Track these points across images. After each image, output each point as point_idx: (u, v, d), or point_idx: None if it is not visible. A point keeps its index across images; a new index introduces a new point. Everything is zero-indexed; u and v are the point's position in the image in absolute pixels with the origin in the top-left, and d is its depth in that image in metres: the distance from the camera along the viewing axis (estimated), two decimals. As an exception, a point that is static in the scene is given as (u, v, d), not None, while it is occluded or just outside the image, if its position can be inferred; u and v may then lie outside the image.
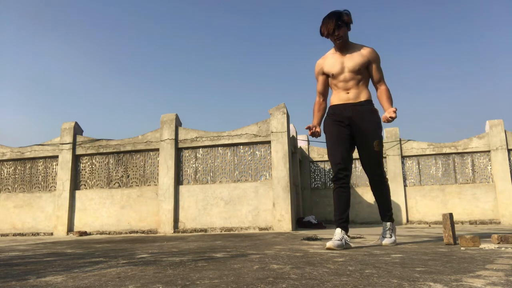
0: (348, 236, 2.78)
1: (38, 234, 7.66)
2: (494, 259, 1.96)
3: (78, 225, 7.50)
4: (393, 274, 1.53)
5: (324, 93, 3.08)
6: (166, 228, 6.92)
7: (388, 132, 9.38)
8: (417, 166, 9.13)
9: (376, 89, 2.98)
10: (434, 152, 9.00)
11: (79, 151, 7.81)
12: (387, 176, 2.81)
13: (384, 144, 9.32)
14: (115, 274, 1.72)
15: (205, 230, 6.76)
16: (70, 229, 7.50)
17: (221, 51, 32.04)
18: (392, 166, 9.11)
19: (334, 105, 2.99)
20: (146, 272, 1.76)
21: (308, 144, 10.16)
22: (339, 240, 2.67)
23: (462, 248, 2.52)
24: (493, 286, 1.27)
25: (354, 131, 2.87)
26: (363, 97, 2.90)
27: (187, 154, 7.34)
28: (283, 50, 31.74)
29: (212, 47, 31.49)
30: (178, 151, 7.35)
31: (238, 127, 7.11)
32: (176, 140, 7.33)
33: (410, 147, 9.18)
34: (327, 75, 3.01)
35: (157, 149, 7.44)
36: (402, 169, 9.12)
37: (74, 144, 7.85)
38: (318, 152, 10.03)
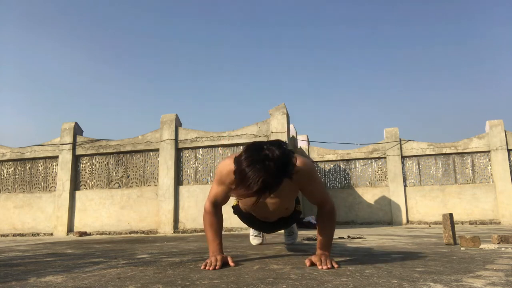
0: (348, 237, 2.75)
1: (38, 234, 7.66)
2: (494, 259, 1.96)
3: (78, 226, 7.50)
4: (393, 274, 1.53)
5: (222, 203, 2.00)
6: (166, 229, 6.92)
7: (388, 132, 9.38)
8: (417, 166, 9.12)
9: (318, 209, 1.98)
10: (434, 152, 9.00)
11: (79, 151, 7.81)
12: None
13: (384, 144, 9.36)
14: (115, 275, 1.72)
15: (205, 231, 6.76)
16: (70, 229, 7.50)
17: (221, 51, 32.10)
18: (392, 166, 9.11)
19: None
20: (146, 272, 1.76)
21: (308, 144, 10.16)
22: None
23: (462, 248, 2.52)
24: (493, 286, 1.27)
25: None
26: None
27: (187, 155, 7.34)
28: (283, 50, 31.79)
29: (212, 47, 31.52)
30: (178, 151, 7.35)
31: (238, 127, 7.12)
32: (176, 140, 7.33)
33: (410, 147, 9.18)
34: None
35: (157, 150, 7.44)
36: (402, 169, 9.12)
37: (74, 144, 7.85)
38: (318, 152, 10.03)
